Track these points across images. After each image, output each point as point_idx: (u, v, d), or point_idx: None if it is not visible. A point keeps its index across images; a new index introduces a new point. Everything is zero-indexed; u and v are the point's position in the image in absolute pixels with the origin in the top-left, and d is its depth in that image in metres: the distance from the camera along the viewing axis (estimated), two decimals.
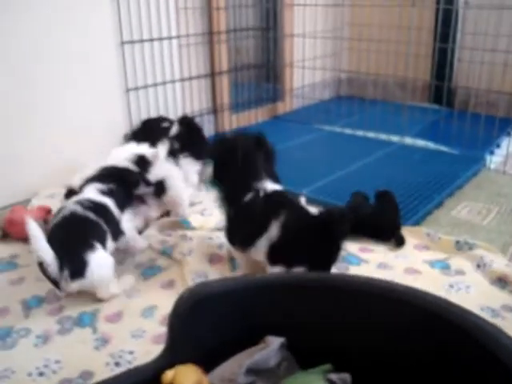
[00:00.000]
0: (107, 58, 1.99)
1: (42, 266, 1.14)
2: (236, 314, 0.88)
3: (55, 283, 1.16)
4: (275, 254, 1.16)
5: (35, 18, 1.74)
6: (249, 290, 0.88)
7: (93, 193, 1.34)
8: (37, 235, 1.14)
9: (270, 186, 1.25)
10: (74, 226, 1.24)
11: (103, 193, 1.35)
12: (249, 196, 1.23)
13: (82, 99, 1.94)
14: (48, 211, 1.56)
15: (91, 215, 1.26)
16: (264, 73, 2.85)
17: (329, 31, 2.99)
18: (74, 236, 1.21)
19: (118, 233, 1.33)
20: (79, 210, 1.26)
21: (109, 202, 1.34)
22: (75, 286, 1.17)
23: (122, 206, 1.38)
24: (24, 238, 1.49)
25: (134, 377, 0.84)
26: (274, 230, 1.15)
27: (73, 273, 1.15)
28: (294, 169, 2.03)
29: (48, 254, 1.13)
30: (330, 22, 3.01)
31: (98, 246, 1.21)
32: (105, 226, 1.27)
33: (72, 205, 1.28)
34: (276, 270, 1.15)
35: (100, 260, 1.20)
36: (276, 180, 1.31)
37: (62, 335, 1.10)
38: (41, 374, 0.99)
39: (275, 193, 1.24)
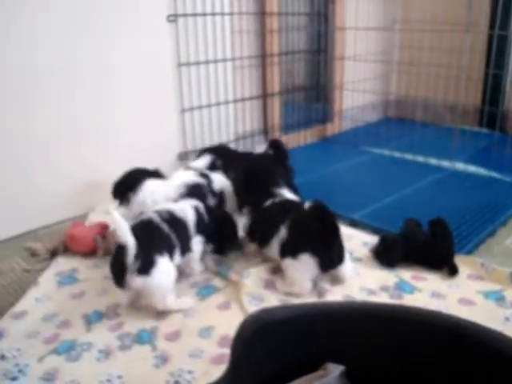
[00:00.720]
0: (165, 79, 2.06)
1: (120, 249, 1.20)
2: (297, 340, 0.89)
3: (121, 275, 1.22)
4: (284, 249, 1.38)
5: (99, 37, 1.83)
6: (311, 316, 0.89)
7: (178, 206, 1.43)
8: (121, 221, 1.21)
9: (287, 194, 1.54)
10: (148, 231, 1.29)
11: (190, 209, 1.44)
12: (268, 202, 1.50)
13: (139, 118, 2.01)
14: (106, 227, 1.62)
15: (165, 227, 1.32)
16: (314, 94, 2.87)
17: (379, 54, 3.00)
18: (147, 238, 1.26)
19: (186, 249, 1.39)
20: (156, 219, 1.33)
21: (190, 218, 1.42)
22: (139, 282, 1.21)
23: (199, 226, 1.44)
24: (84, 253, 1.57)
25: None
26: (282, 232, 1.38)
27: (141, 268, 1.21)
28: (343, 192, 2.04)
29: (131, 238, 1.20)
30: (380, 45, 3.03)
31: (166, 255, 1.27)
32: (175, 240, 1.32)
33: (151, 213, 1.36)
34: (287, 261, 1.37)
35: (165, 267, 1.25)
36: (294, 190, 1.61)
37: (123, 351, 1.14)
38: None
39: (285, 201, 1.50)
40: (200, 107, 2.19)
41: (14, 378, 1.06)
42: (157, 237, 1.30)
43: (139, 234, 1.24)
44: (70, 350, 1.15)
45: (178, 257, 1.34)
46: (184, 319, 1.25)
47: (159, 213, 1.36)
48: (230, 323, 0.87)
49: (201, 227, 1.44)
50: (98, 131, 1.91)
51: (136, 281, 1.21)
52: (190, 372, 1.07)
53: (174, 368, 1.08)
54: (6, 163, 1.71)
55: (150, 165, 2.01)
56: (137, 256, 1.19)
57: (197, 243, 1.43)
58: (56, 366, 1.10)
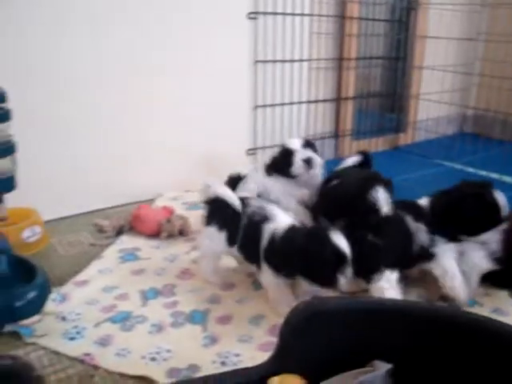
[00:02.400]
0: (240, 75, 2.10)
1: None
2: (346, 334, 0.89)
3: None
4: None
5: (178, 36, 1.89)
6: (363, 311, 0.89)
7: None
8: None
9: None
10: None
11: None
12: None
13: (211, 111, 2.05)
14: (171, 212, 1.67)
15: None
16: (389, 102, 2.83)
17: (459, 65, 2.92)
18: None
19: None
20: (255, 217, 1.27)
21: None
22: None
23: None
24: (147, 234, 1.63)
25: (240, 377, 0.88)
26: None
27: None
28: None
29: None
30: (461, 57, 2.95)
31: None
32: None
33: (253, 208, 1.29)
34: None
35: None
36: None
37: (175, 328, 1.17)
38: (153, 359, 1.07)
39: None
40: (273, 105, 2.21)
41: (72, 338, 1.13)
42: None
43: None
44: (124, 320, 1.20)
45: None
46: (236, 305, 1.27)
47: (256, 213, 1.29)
48: (281, 314, 0.89)
49: None
50: (172, 122, 1.97)
51: None
52: (236, 355, 1.09)
53: (221, 349, 1.10)
54: (100, 153, 1.83)
55: (218, 157, 2.07)
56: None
57: None
58: (110, 333, 1.15)
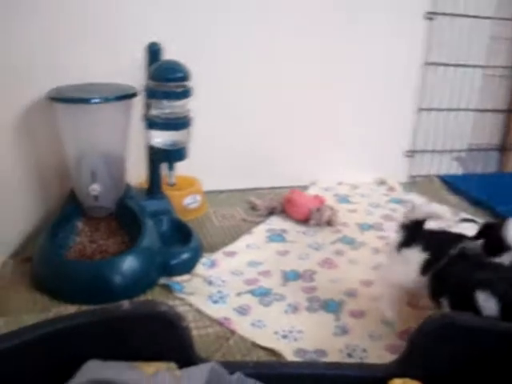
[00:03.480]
0: (407, 77, 2.06)
1: None
2: (475, 352, 0.87)
3: None
4: None
5: (347, 27, 1.91)
6: (495, 333, 0.86)
7: None
8: None
9: None
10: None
11: None
12: None
13: (373, 109, 2.04)
14: (322, 201, 1.72)
15: None
16: None
17: None
18: None
19: None
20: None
21: None
22: None
23: None
24: (297, 218, 1.69)
25: (365, 371, 0.91)
26: None
27: None
28: None
29: None
30: None
31: None
32: None
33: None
34: None
35: None
36: None
37: (309, 312, 1.22)
38: (284, 337, 1.13)
39: None
40: (438, 109, 2.14)
41: (215, 302, 1.24)
42: None
43: None
44: (264, 295, 1.27)
45: None
46: (371, 303, 1.28)
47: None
48: (417, 321, 0.89)
49: None
50: (332, 114, 2.00)
51: None
52: (364, 350, 1.10)
53: (350, 341, 1.12)
54: (265, 135, 1.93)
55: (373, 155, 2.08)
56: None
57: None
58: (250, 304, 1.23)
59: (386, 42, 1.96)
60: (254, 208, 1.79)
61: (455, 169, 2.28)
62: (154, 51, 1.37)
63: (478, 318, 0.90)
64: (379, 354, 1.09)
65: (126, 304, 0.80)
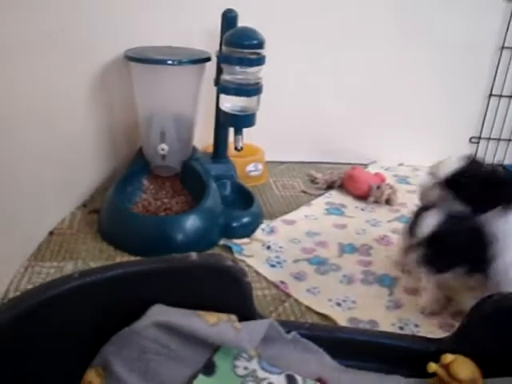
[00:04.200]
0: (480, 61, 2.00)
1: None
2: None
3: None
4: None
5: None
6: None
7: None
8: None
9: None
10: None
11: None
12: None
13: (441, 93, 2.01)
14: (383, 179, 1.72)
15: None
16: None
17: None
18: None
19: None
20: None
21: None
22: None
23: None
24: (356, 194, 1.70)
25: (418, 343, 0.92)
26: None
27: None
28: None
29: None
30: None
31: None
32: None
33: None
34: None
35: None
36: None
37: (363, 284, 1.24)
38: (338, 304, 1.15)
39: None
40: (510, 96, 2.07)
41: (273, 266, 1.28)
42: None
43: None
44: (320, 264, 1.30)
45: None
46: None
47: None
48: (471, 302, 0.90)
49: None
50: (394, 103, 1.99)
51: None
52: (416, 325, 1.11)
53: (402, 316, 1.14)
54: (329, 110, 1.94)
55: (438, 139, 2.05)
56: None
57: None
58: (306, 271, 1.26)
59: (462, 23, 1.91)
60: (313, 181, 1.81)
61: None
62: (229, 18, 1.39)
63: None
64: (431, 331, 1.09)
65: (193, 255, 0.84)
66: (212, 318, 0.82)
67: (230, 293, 0.87)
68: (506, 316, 0.87)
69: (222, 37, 1.37)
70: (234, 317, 0.84)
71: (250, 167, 1.72)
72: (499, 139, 2.14)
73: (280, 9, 1.73)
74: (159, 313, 0.82)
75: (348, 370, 0.89)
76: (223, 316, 0.83)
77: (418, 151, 2.08)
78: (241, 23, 1.39)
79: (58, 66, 1.33)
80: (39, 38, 1.25)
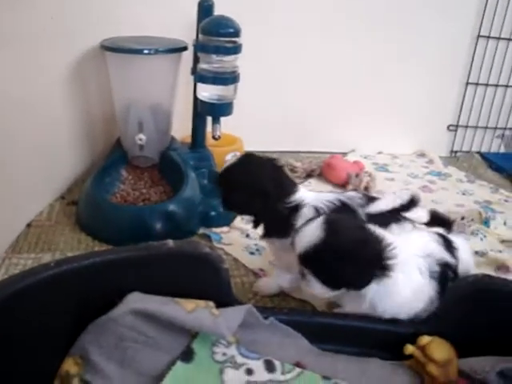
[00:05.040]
0: (457, 50, 2.04)
1: None
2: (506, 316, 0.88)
3: None
4: None
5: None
6: None
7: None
8: None
9: None
10: None
11: None
12: None
13: (419, 82, 2.04)
14: (361, 167, 1.73)
15: None
16: None
17: None
18: None
19: None
20: None
21: None
22: None
23: None
24: (334, 183, 1.71)
25: (395, 326, 0.93)
26: None
27: None
28: None
29: None
30: None
31: None
32: None
33: None
34: None
35: None
36: None
37: None
38: None
39: None
40: (486, 85, 2.10)
41: (252, 253, 1.29)
42: None
43: None
44: None
45: None
46: None
47: None
48: None
49: None
50: (372, 92, 2.01)
51: None
52: None
53: None
54: (308, 101, 1.96)
55: (414, 127, 2.07)
56: None
57: None
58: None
59: (438, 13, 1.93)
60: (292, 170, 1.80)
61: (497, 147, 2.25)
62: (205, 7, 1.38)
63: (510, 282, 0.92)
64: None
65: (170, 243, 0.84)
66: (190, 304, 0.82)
67: (208, 279, 0.87)
68: (481, 297, 0.89)
69: (198, 26, 1.37)
70: (211, 303, 0.84)
71: (229, 156, 1.71)
72: (476, 127, 2.17)
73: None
74: (136, 300, 0.82)
75: (326, 354, 0.90)
76: (201, 303, 0.84)
77: (396, 139, 2.11)
78: (217, 12, 1.39)
79: (34, 57, 1.31)
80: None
